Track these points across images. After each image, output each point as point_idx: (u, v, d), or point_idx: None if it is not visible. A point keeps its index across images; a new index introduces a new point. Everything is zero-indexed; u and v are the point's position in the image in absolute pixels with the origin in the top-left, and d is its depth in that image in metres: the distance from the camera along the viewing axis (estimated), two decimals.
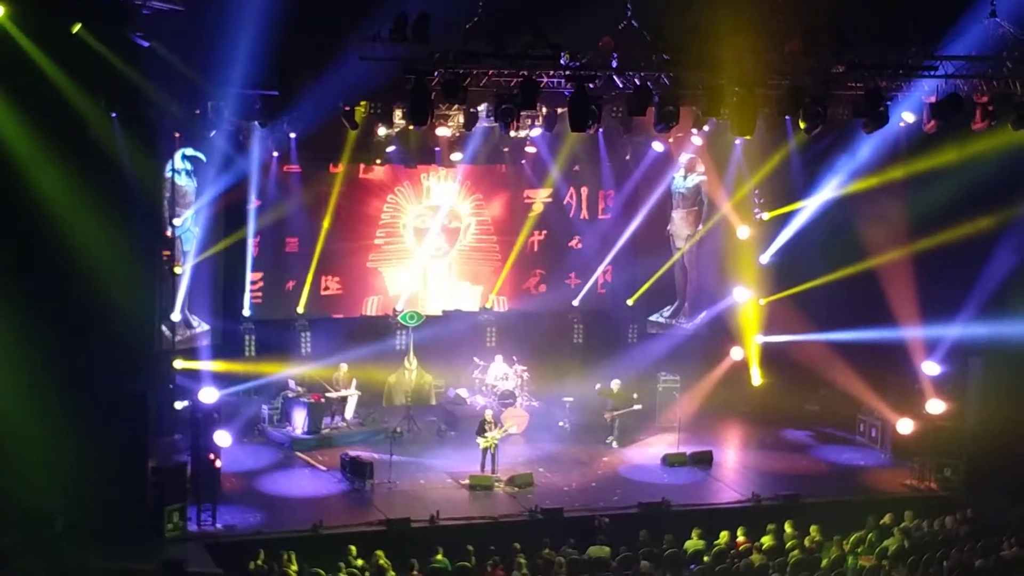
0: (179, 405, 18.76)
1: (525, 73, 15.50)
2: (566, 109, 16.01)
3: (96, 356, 15.15)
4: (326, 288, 23.05)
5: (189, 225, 20.22)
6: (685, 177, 24.18)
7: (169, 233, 19.47)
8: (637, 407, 20.35)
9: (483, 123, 19.02)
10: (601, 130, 20.48)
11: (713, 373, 22.78)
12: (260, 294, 22.18)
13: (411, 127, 19.48)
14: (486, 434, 18.44)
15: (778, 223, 22.74)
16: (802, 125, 16.13)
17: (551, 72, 15.81)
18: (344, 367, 20.63)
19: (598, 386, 20.86)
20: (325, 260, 22.60)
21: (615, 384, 20.57)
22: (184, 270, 19.93)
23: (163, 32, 15.72)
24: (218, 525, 15.80)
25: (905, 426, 19.19)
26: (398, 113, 18.46)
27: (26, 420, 14.13)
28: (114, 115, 15.47)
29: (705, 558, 14.46)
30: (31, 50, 13.98)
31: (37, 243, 14.43)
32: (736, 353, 22.99)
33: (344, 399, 20.47)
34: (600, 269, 24.84)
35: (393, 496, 17.42)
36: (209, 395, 16.96)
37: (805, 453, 20.76)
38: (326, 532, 15.59)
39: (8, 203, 14.17)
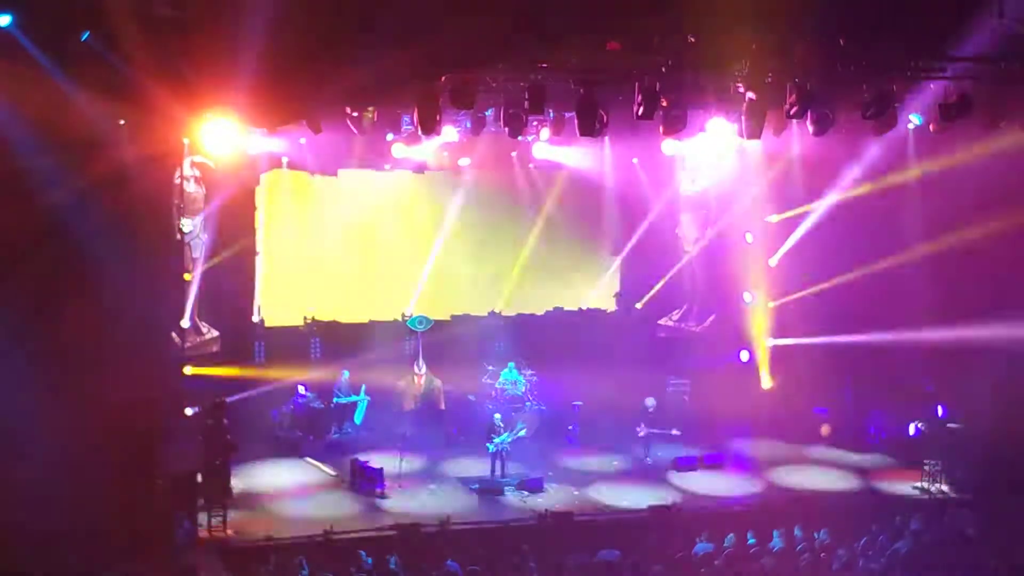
0: (189, 411, 18.79)
1: (533, 77, 15.50)
2: (574, 113, 16.00)
3: (105, 363, 15.17)
4: (335, 292, 23.06)
5: (198, 231, 20.24)
6: (693, 180, 24.10)
7: (178, 239, 19.50)
8: (675, 432, 20.25)
9: (491, 128, 19.00)
10: (609, 134, 20.43)
11: (722, 376, 22.73)
12: (269, 300, 22.19)
13: (419, 132, 19.45)
14: (496, 439, 18.44)
15: (787, 226, 22.68)
16: (810, 128, 16.09)
17: (559, 77, 15.79)
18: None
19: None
20: (333, 265, 22.62)
21: (649, 402, 20.53)
22: (193, 276, 19.95)
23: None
24: (229, 531, 15.81)
25: (915, 428, 19.14)
26: (406, 119, 18.47)
27: (35, 427, 14.15)
28: (122, 122, 15.49)
29: (716, 562, 14.44)
30: (39, 57, 14.01)
31: (45, 250, 14.45)
32: (745, 356, 22.96)
33: (354, 404, 20.48)
34: (608, 272, 24.80)
35: (403, 501, 17.43)
36: (219, 401, 16.97)
37: (814, 456, 20.72)
38: (336, 537, 15.59)
39: (15, 211, 14.19)
